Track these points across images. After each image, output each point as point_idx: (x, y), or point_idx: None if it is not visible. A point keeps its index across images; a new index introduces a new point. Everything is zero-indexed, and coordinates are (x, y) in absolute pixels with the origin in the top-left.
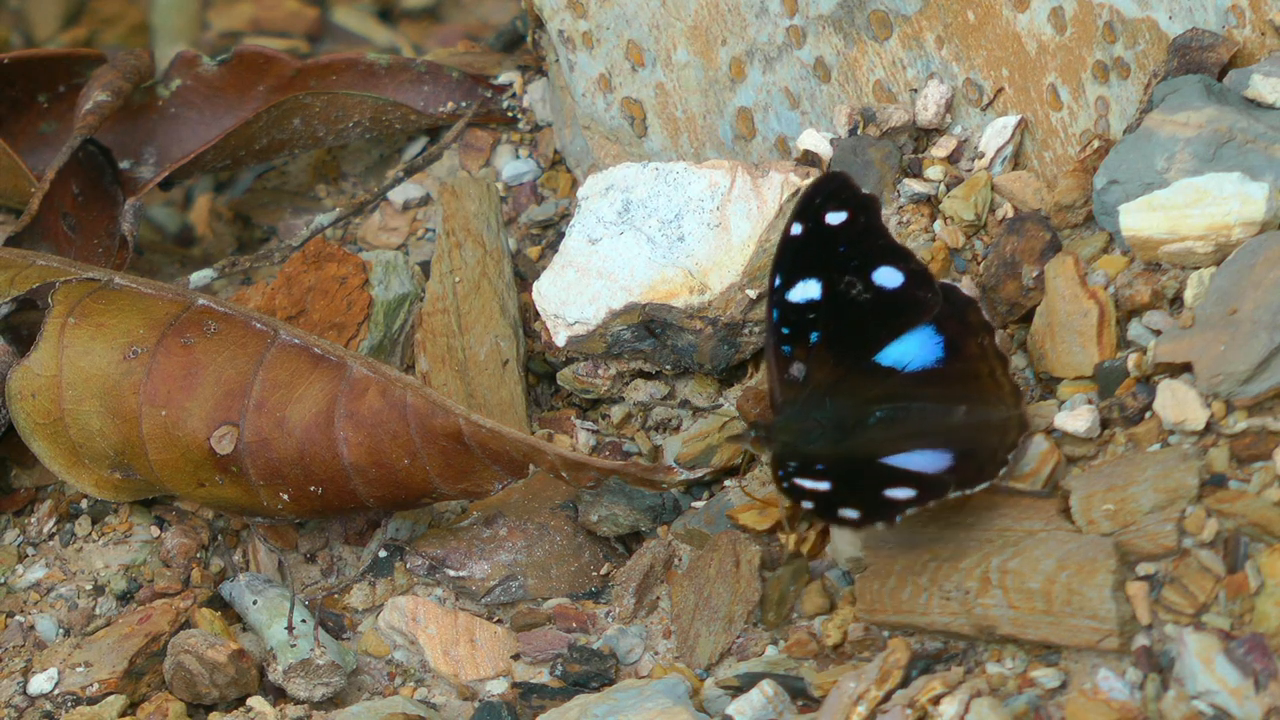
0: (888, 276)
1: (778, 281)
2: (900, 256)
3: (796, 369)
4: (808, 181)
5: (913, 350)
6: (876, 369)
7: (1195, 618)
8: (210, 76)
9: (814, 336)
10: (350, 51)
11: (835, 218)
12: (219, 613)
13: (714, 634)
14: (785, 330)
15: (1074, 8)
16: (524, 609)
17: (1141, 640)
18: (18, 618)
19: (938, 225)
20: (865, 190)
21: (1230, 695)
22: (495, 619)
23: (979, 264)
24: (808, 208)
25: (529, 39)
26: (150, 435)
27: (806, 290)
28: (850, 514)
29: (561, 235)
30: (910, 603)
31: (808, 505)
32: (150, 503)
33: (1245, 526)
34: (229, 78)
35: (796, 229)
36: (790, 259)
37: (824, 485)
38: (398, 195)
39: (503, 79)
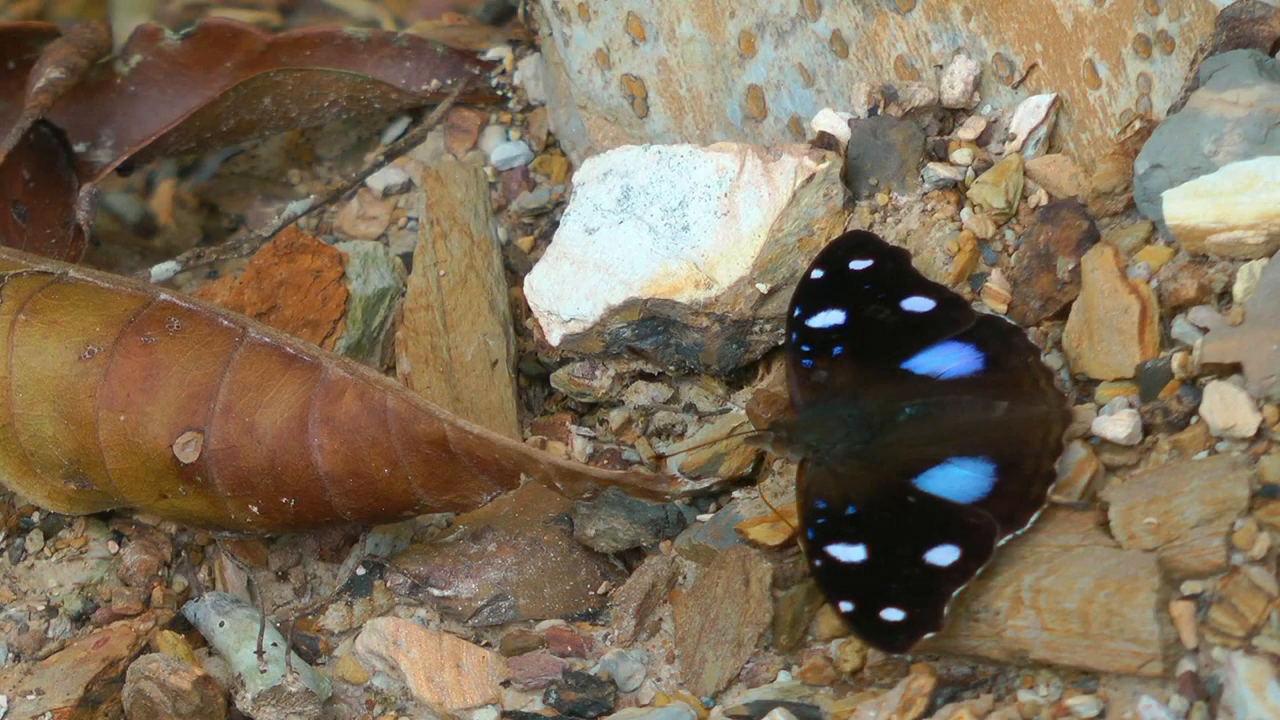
0: (917, 303)
1: (798, 311)
2: (933, 289)
3: (819, 375)
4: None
5: (950, 361)
6: (909, 375)
7: (1246, 640)
8: (173, 52)
9: (837, 350)
10: (326, 24)
11: (860, 264)
12: (183, 635)
13: (721, 658)
14: (806, 348)
15: None
16: (515, 631)
17: (1187, 665)
18: None
19: (965, 213)
20: (893, 244)
21: None
22: (483, 642)
23: (1010, 255)
24: (830, 257)
25: (520, 11)
26: (108, 442)
27: (829, 318)
28: (895, 615)
29: (556, 224)
30: None
31: (847, 609)
32: (108, 516)
33: None
34: (193, 53)
35: (817, 273)
36: (811, 295)
37: (858, 553)
38: (377, 181)
39: (491, 54)
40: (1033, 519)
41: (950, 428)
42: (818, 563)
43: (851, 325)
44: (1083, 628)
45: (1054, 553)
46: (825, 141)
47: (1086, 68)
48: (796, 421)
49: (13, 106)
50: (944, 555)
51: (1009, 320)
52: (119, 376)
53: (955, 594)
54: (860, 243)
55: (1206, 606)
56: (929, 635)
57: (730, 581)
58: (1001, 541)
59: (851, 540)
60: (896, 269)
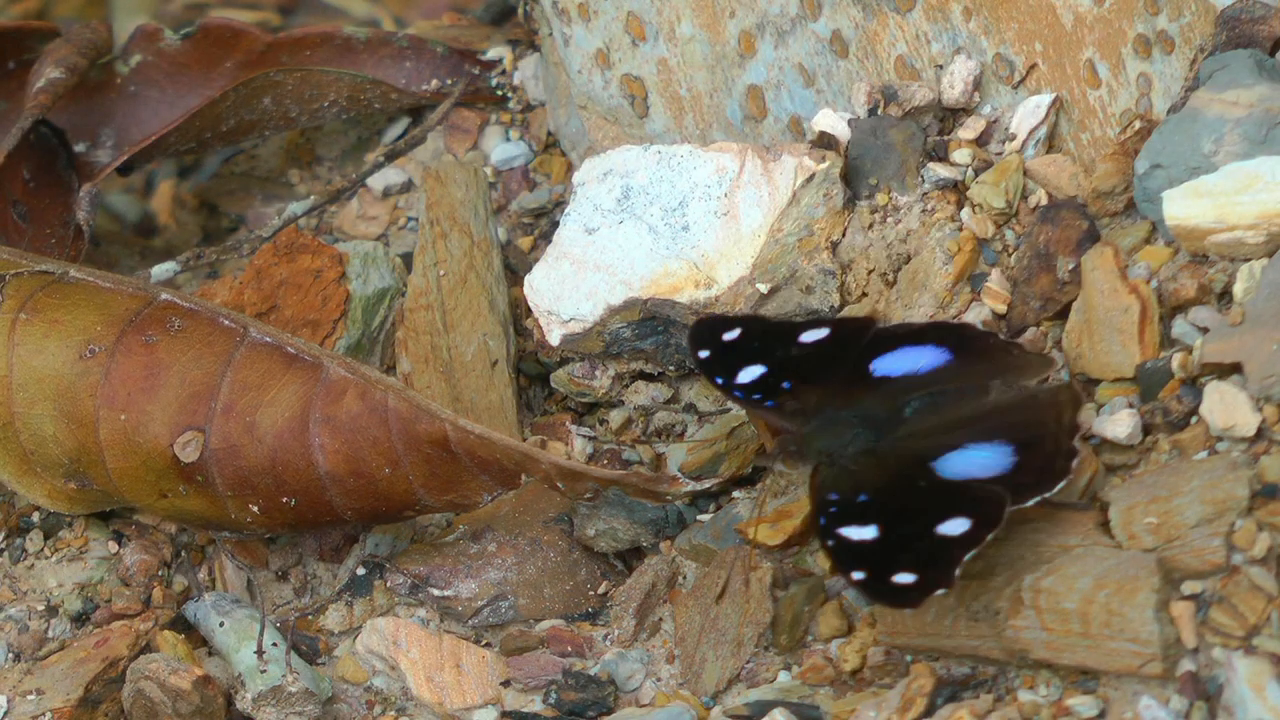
0: (815, 334)
1: (720, 381)
2: (814, 322)
3: (792, 406)
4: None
5: (920, 360)
6: (888, 378)
7: (1246, 641)
8: (173, 52)
9: (788, 385)
10: (326, 24)
11: (730, 335)
12: (183, 635)
13: (721, 658)
14: (757, 396)
15: None
16: (515, 631)
17: (1187, 665)
18: None
19: (965, 213)
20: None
21: None
22: (483, 642)
23: (1010, 255)
24: (701, 338)
25: (520, 11)
26: (108, 441)
27: (752, 372)
28: (906, 579)
29: (555, 224)
30: (935, 624)
31: (859, 577)
32: (108, 515)
33: None
34: (193, 53)
35: (704, 353)
36: (716, 367)
37: (870, 532)
38: (377, 181)
39: (492, 54)
40: (1059, 486)
41: (958, 416)
42: (830, 543)
43: (778, 369)
44: (1083, 628)
45: (1054, 553)
46: (825, 141)
47: (1086, 68)
48: (805, 433)
49: (13, 106)
50: (954, 527)
51: (951, 321)
52: (120, 376)
53: (965, 558)
54: (714, 323)
55: (1206, 606)
56: (940, 592)
57: (730, 581)
58: (1029, 503)
59: (863, 522)
60: (764, 326)
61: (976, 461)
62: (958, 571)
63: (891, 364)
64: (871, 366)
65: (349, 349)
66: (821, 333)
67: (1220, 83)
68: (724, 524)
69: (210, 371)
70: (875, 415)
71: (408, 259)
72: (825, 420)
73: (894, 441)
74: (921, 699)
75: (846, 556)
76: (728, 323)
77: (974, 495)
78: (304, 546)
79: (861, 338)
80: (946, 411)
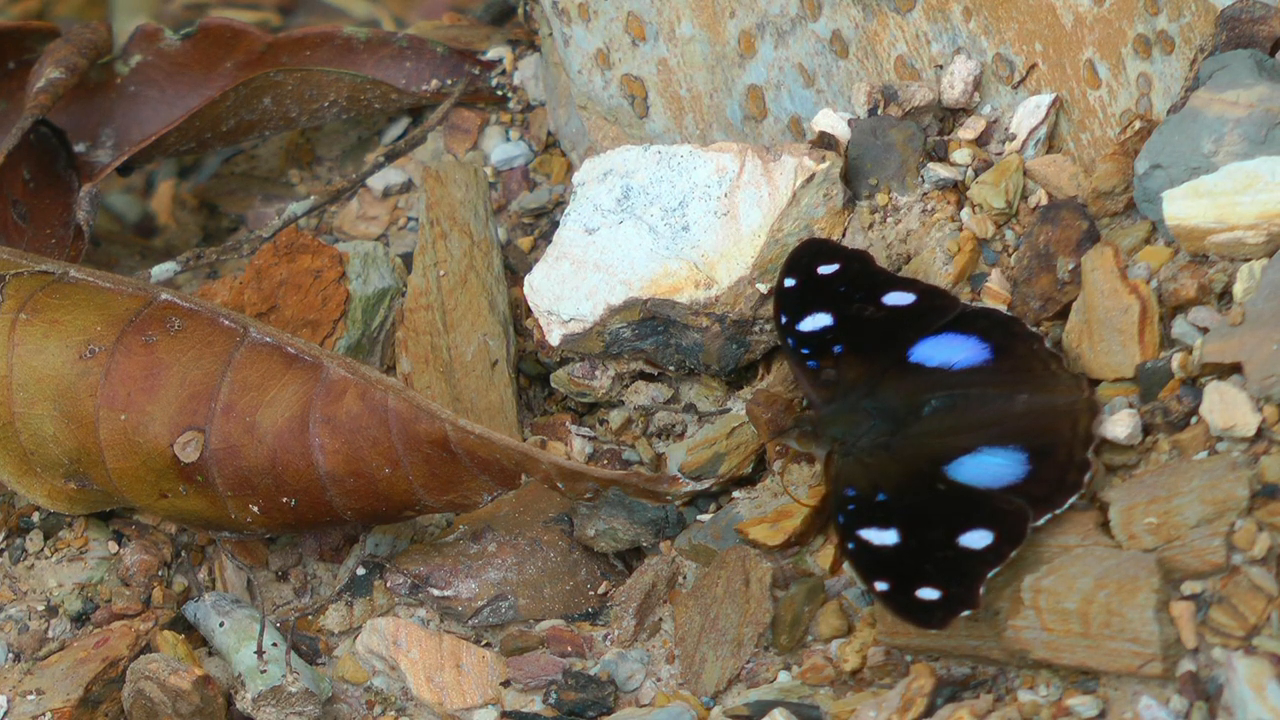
0: (899, 298)
1: (784, 319)
2: (907, 283)
3: (828, 374)
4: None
5: (958, 353)
6: (922, 368)
7: (1246, 641)
8: (173, 52)
9: (838, 349)
10: (325, 25)
11: (827, 269)
12: (183, 635)
13: (721, 658)
14: (805, 350)
15: None
16: (515, 631)
17: (1187, 665)
18: None
19: (965, 213)
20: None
21: None
22: (483, 642)
23: (1010, 255)
24: (797, 265)
25: (520, 11)
26: (108, 441)
27: (818, 321)
28: (930, 594)
29: (555, 224)
30: None
31: (882, 589)
32: (108, 515)
33: None
34: (193, 53)
35: (790, 282)
36: (791, 303)
37: (890, 536)
38: (377, 181)
39: (492, 54)
40: (1070, 501)
41: (974, 420)
42: (850, 545)
43: (842, 326)
44: (1083, 628)
45: (1054, 553)
46: (825, 141)
47: (1086, 68)
48: (821, 416)
49: (13, 106)
50: (978, 539)
51: (1005, 311)
52: (120, 376)
53: (990, 575)
54: (821, 249)
55: (1206, 606)
56: (965, 613)
57: (730, 581)
58: (1040, 521)
59: (884, 525)
60: (864, 269)
61: (989, 467)
62: (983, 590)
63: (931, 350)
64: (911, 351)
65: (349, 349)
66: (908, 298)
67: (1220, 83)
68: (724, 524)
69: (210, 372)
70: (894, 409)
71: (408, 259)
72: (844, 406)
73: (908, 438)
74: (921, 699)
75: (868, 563)
76: (833, 252)
77: (996, 507)
78: (304, 546)
79: (942, 316)
80: (963, 414)
